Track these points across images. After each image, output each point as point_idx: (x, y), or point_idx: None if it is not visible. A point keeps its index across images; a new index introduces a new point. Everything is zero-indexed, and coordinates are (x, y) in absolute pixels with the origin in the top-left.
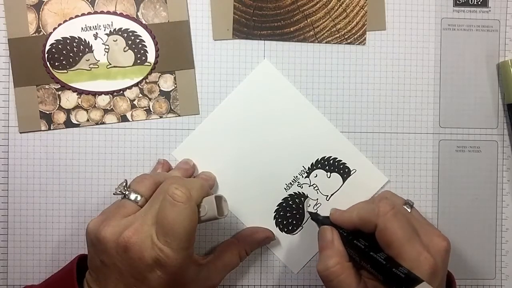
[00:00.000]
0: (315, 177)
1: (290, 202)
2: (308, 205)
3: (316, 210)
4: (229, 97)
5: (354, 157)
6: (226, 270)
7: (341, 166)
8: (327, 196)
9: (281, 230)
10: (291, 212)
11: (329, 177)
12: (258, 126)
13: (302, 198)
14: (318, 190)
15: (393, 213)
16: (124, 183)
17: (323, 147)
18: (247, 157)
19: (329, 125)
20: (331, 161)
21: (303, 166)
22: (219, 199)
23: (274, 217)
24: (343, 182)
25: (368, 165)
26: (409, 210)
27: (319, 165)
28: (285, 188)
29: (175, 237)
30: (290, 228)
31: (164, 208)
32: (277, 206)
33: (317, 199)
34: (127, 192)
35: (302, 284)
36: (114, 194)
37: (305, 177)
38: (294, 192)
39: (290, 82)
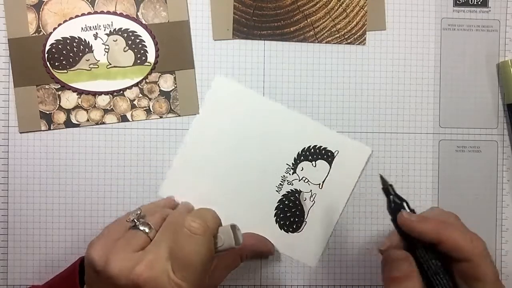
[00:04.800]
0: (302, 170)
1: (286, 202)
2: (304, 199)
3: (313, 203)
4: (195, 124)
5: (332, 139)
6: (227, 271)
7: (323, 151)
8: (319, 184)
9: (287, 231)
10: (290, 211)
11: (315, 166)
12: (234, 140)
13: (297, 195)
14: (308, 182)
15: (487, 252)
16: (139, 212)
17: (300, 139)
18: (232, 173)
19: (298, 116)
20: (312, 150)
21: (287, 164)
22: (233, 228)
23: (276, 221)
24: (330, 166)
25: (348, 142)
26: None
27: (302, 157)
28: (277, 191)
29: (193, 271)
30: (294, 227)
31: (180, 241)
32: (275, 210)
33: (311, 190)
34: (139, 223)
35: (302, 284)
36: (126, 221)
37: (292, 173)
38: (286, 192)
39: (247, 88)
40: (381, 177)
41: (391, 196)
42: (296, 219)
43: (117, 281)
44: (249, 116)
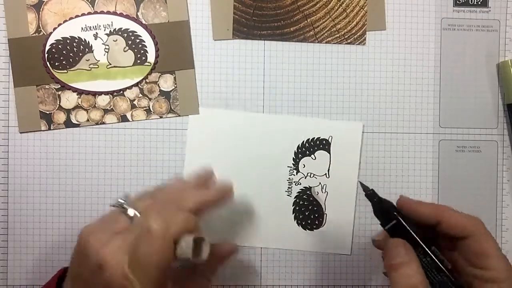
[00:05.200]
0: (304, 167)
1: (301, 203)
2: (316, 193)
3: (326, 194)
4: (188, 154)
5: (321, 127)
6: None
7: (317, 142)
8: (325, 174)
9: (311, 229)
10: (308, 210)
11: (315, 159)
12: (230, 163)
13: (308, 192)
14: (314, 176)
15: (486, 229)
16: (126, 197)
17: (292, 138)
18: (240, 193)
19: (281, 117)
20: (307, 145)
21: (288, 166)
22: (200, 241)
23: (298, 224)
24: (329, 153)
25: (338, 125)
26: None
27: (299, 155)
28: (288, 195)
29: (145, 272)
30: (317, 222)
31: (138, 239)
32: (292, 213)
33: (319, 182)
34: (125, 207)
35: (302, 284)
36: (110, 205)
37: (296, 173)
38: (297, 193)
39: (228, 110)
40: (361, 184)
41: (375, 200)
42: (317, 215)
43: (87, 256)
44: (235, 136)
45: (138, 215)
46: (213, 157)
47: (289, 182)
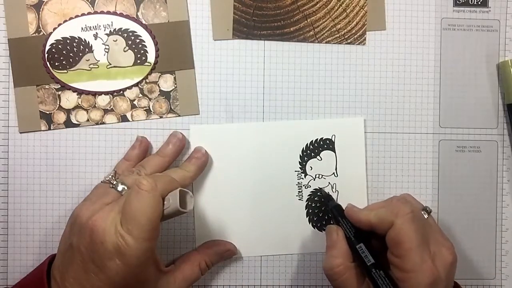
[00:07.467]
0: (311, 169)
1: (313, 205)
2: (322, 193)
3: (337, 192)
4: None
5: (323, 127)
6: (186, 282)
7: (321, 142)
8: (333, 173)
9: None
10: (321, 211)
11: (321, 160)
12: (238, 174)
13: (319, 193)
14: (323, 176)
15: (412, 215)
16: (113, 174)
17: (295, 142)
18: (250, 201)
19: (282, 123)
20: (311, 147)
21: (295, 171)
22: (184, 193)
23: (314, 227)
24: (335, 152)
25: (339, 123)
26: (426, 216)
27: (305, 157)
28: (300, 199)
29: (137, 225)
30: (332, 223)
31: (129, 196)
32: (306, 217)
33: (329, 182)
34: (114, 183)
35: (302, 284)
36: (102, 182)
37: (305, 176)
38: (308, 196)
39: (222, 123)
40: (321, 190)
41: (330, 203)
42: (330, 215)
43: (79, 226)
44: (238, 148)
45: (126, 189)
46: (219, 170)
47: (298, 186)
